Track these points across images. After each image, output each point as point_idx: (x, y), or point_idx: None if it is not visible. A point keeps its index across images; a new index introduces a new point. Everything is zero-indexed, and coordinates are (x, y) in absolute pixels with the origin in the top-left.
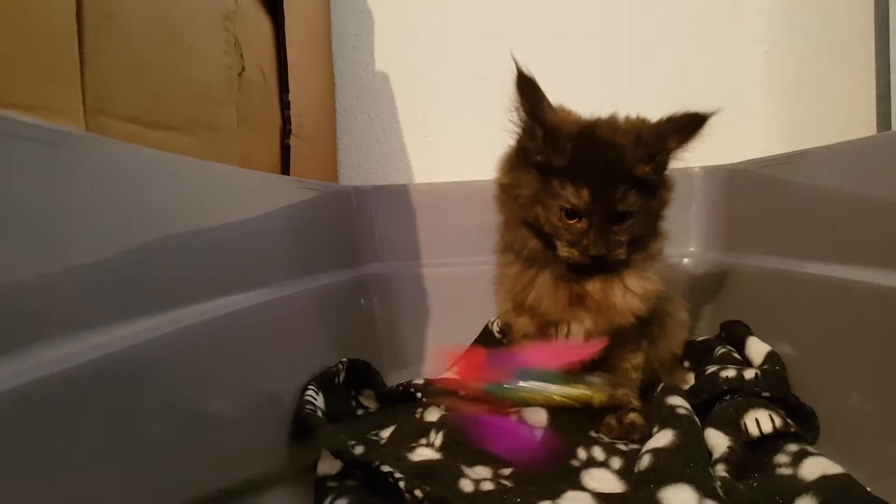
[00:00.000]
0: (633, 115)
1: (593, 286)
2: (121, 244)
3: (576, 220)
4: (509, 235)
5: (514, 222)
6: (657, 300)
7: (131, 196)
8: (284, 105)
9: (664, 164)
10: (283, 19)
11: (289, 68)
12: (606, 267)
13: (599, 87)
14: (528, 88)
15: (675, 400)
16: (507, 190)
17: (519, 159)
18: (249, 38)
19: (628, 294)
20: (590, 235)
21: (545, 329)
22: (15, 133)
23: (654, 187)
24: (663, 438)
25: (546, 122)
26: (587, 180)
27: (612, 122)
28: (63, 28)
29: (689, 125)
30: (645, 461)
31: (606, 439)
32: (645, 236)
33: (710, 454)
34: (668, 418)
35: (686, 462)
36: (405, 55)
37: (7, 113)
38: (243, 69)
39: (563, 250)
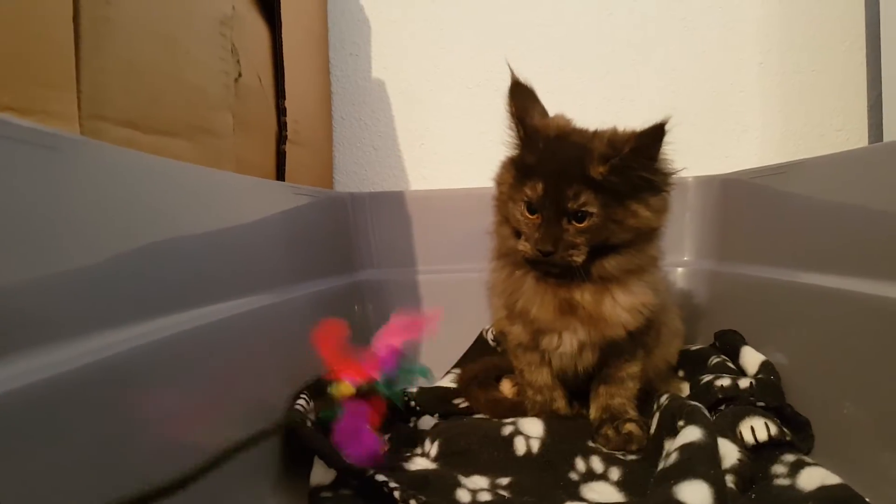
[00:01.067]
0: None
1: (584, 296)
2: (114, 249)
3: (535, 216)
4: (497, 235)
5: (500, 220)
6: (650, 312)
7: (126, 200)
8: (281, 111)
9: (620, 170)
10: (281, 26)
11: (285, 74)
12: (564, 269)
13: (594, 96)
14: (519, 93)
15: (694, 402)
16: (497, 187)
17: (512, 161)
18: (246, 44)
19: (618, 307)
20: (540, 230)
21: (538, 338)
22: (10, 136)
23: (620, 195)
24: (693, 434)
25: (526, 124)
26: (544, 176)
27: (593, 131)
28: (59, 32)
29: (647, 132)
30: (672, 458)
31: (604, 450)
32: (624, 247)
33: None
34: (695, 415)
35: (710, 461)
36: (402, 63)
37: (2, 116)
38: (240, 75)
39: (520, 244)
